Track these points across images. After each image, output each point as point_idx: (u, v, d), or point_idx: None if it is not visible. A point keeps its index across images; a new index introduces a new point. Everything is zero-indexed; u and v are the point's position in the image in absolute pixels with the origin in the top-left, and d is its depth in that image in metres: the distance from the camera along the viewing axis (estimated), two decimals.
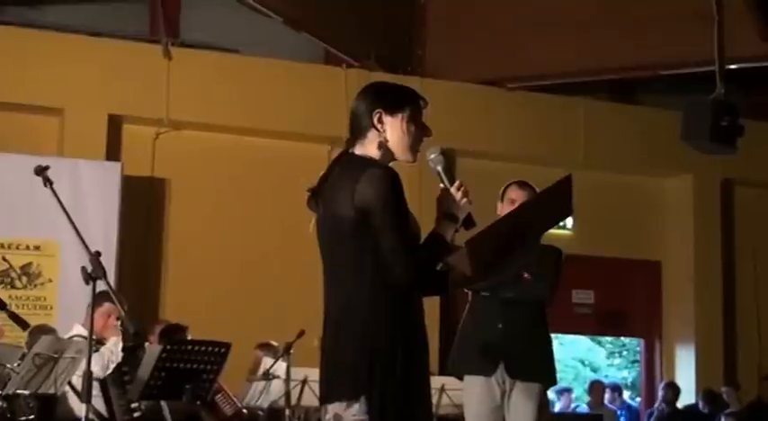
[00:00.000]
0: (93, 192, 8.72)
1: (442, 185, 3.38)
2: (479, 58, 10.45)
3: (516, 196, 5.37)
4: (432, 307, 3.36)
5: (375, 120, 3.36)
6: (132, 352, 6.51)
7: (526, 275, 5.27)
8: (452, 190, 3.37)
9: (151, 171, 9.65)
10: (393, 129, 3.36)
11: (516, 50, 10.24)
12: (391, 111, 3.37)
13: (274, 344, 8.26)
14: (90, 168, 8.86)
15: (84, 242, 4.18)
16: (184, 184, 9.73)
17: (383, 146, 3.35)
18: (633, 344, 15.32)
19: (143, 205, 9.52)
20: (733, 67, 8.82)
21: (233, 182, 9.87)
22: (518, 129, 10.65)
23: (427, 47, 10.63)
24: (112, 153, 9.39)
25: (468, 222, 3.36)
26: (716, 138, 7.35)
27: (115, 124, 9.52)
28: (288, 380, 7.19)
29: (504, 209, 5.28)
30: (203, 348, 6.04)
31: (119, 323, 6.51)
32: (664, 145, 10.65)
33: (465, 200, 3.36)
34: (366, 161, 3.32)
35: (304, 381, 7.23)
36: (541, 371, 5.33)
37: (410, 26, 10.68)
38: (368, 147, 3.37)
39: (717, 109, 7.34)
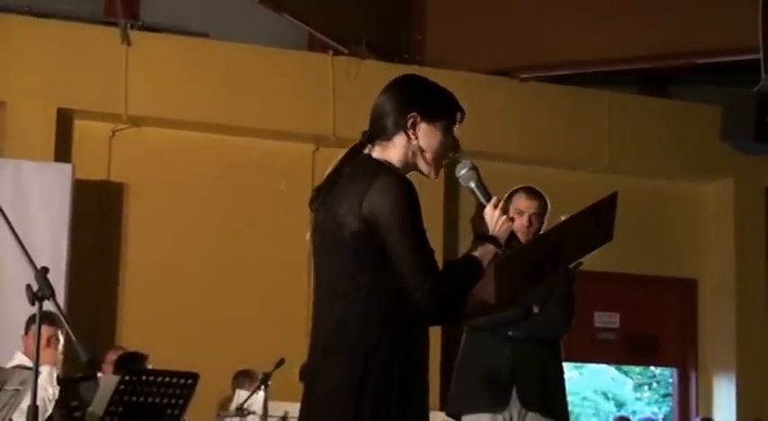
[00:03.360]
0: (40, 197, 8.70)
1: (477, 202, 3.37)
2: (487, 45, 10.45)
3: (525, 207, 5.36)
4: (433, 336, 3.34)
5: (408, 124, 3.34)
6: (82, 383, 6.50)
7: (536, 310, 5.26)
8: (489, 208, 3.35)
9: (107, 174, 9.64)
10: (426, 139, 3.36)
11: (530, 35, 10.25)
12: (429, 117, 3.37)
13: (253, 371, 8.25)
14: (35, 170, 8.84)
15: (28, 256, 4.17)
16: (145, 189, 9.72)
17: (410, 155, 3.33)
18: (665, 374, 15.33)
19: (97, 213, 9.50)
20: None
21: (201, 186, 9.86)
22: (532, 126, 10.66)
23: (427, 31, 10.63)
24: (62, 153, 9.37)
25: (512, 243, 3.34)
26: (760, 137, 7.36)
27: (65, 120, 9.50)
28: (265, 415, 7.17)
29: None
30: (167, 379, 6.03)
31: (59, 348, 6.49)
32: (700, 145, 10.67)
33: (504, 217, 3.35)
34: (381, 166, 3.30)
35: (284, 418, 7.22)
36: (558, 404, 5.34)
37: (407, 7, 10.69)
38: (390, 152, 3.35)
39: (761, 103, 7.35)
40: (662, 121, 11.04)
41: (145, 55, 9.62)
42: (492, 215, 3.36)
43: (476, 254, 3.31)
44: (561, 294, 5.32)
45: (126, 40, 9.60)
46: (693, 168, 11.29)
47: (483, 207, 3.37)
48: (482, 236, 3.33)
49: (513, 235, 3.35)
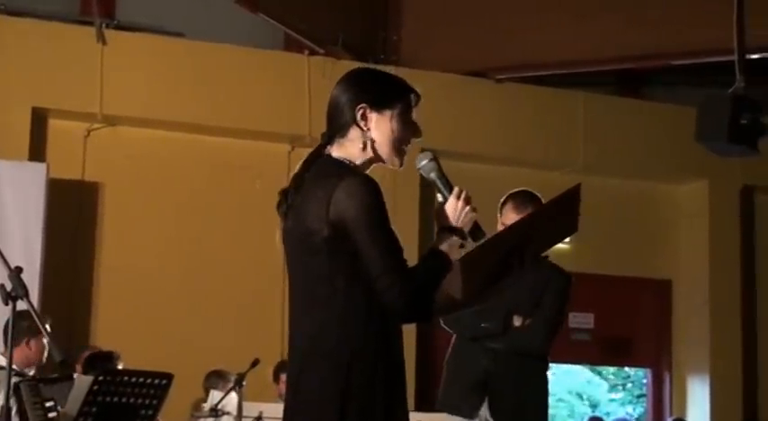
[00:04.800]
0: (13, 197, 8.67)
1: (439, 196, 3.35)
2: (464, 45, 10.46)
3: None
4: (407, 335, 3.33)
5: (358, 117, 3.32)
6: (57, 384, 6.47)
7: (517, 323, 5.22)
8: (452, 199, 3.33)
9: (82, 173, 9.60)
10: (379, 129, 3.33)
11: (506, 36, 10.26)
12: (378, 106, 3.34)
13: (226, 372, 8.24)
14: (10, 170, 8.80)
15: (2, 255, 4.16)
16: (121, 189, 9.69)
17: (367, 147, 3.32)
18: (639, 375, 15.36)
19: (72, 213, 9.47)
20: (755, 56, 8.87)
21: (177, 186, 9.84)
22: (508, 126, 10.67)
23: (403, 31, 10.63)
24: (36, 152, 9.34)
25: (476, 233, 3.33)
26: (735, 138, 7.38)
27: (39, 119, 9.46)
28: (239, 416, 7.15)
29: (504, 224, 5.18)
30: (141, 380, 6.00)
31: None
32: (675, 146, 10.70)
33: (468, 208, 3.33)
34: (343, 167, 3.28)
35: (259, 418, 7.20)
36: (534, 416, 5.33)
37: (384, 7, 10.69)
38: (348, 148, 3.33)
39: (736, 105, 7.37)
40: (637, 122, 11.07)
41: (120, 54, 9.59)
42: (455, 206, 3.32)
43: (442, 247, 3.28)
44: (548, 304, 5.28)
45: (101, 39, 9.57)
46: (668, 169, 11.32)
47: (445, 198, 3.35)
48: (445, 227, 3.31)
49: (477, 225, 3.33)
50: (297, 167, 3.36)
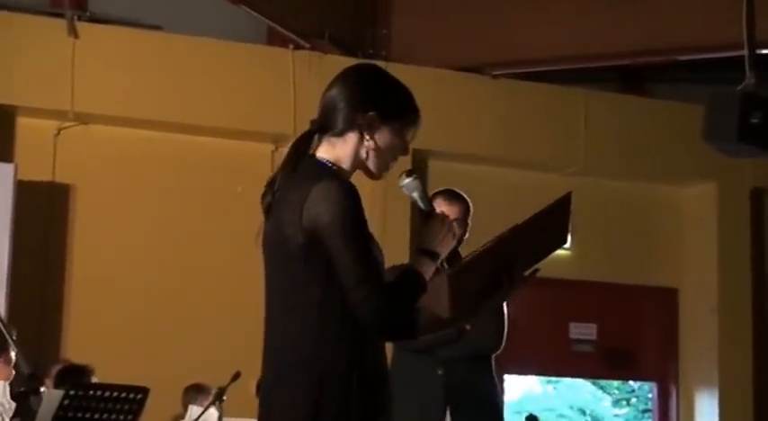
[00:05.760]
0: None
1: (420, 213, 3.39)
2: (457, 39, 10.47)
3: (446, 212, 5.38)
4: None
5: (365, 123, 3.33)
6: (25, 398, 6.46)
7: (468, 327, 5.30)
8: (435, 223, 3.36)
9: (52, 175, 9.60)
10: (382, 140, 3.35)
11: (503, 30, 10.28)
12: (388, 118, 3.35)
13: (205, 385, 8.24)
14: None
15: None
16: (93, 192, 9.69)
17: (361, 154, 3.33)
18: (644, 389, 15.38)
19: (42, 217, 9.47)
20: (766, 51, 8.90)
21: (153, 189, 9.84)
22: (504, 125, 10.69)
23: (393, 24, 10.64)
24: (3, 152, 9.35)
25: (453, 261, 3.37)
26: (745, 137, 7.40)
27: (7, 117, 9.47)
28: None
29: None
30: (115, 394, 6.01)
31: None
32: (682, 146, 10.73)
33: (450, 235, 3.36)
34: (323, 169, 3.29)
35: None
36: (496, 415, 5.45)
37: None
38: (339, 149, 3.34)
39: (746, 103, 7.39)
40: (641, 121, 11.09)
41: (93, 48, 9.59)
42: (436, 231, 3.35)
43: (419, 268, 3.29)
44: (494, 309, 5.36)
45: (73, 32, 9.57)
46: (674, 171, 11.34)
47: (426, 218, 3.38)
48: (423, 250, 3.33)
49: (455, 253, 3.39)
50: (281, 162, 3.38)
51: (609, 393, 18.21)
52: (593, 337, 11.42)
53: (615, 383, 17.10)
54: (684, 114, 10.46)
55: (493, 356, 5.59)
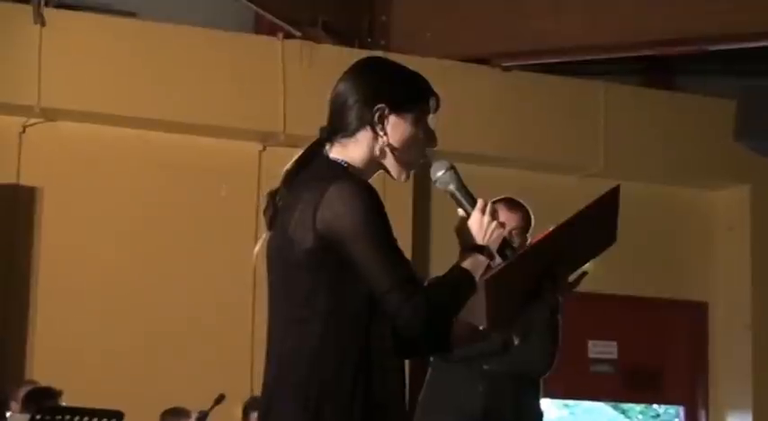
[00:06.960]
0: None
1: (460, 211, 3.35)
2: (464, 27, 10.48)
3: (506, 221, 5.38)
4: None
5: (375, 118, 3.31)
6: None
7: (516, 341, 5.28)
8: (476, 213, 3.32)
9: (16, 176, 9.60)
10: (396, 134, 3.33)
11: (514, 17, 10.29)
12: (399, 108, 3.33)
13: (185, 409, 8.24)
14: None
15: None
16: (62, 194, 9.69)
17: (380, 153, 3.31)
18: (670, 413, 15.38)
19: (5, 222, 9.48)
20: None
21: (127, 192, 9.83)
22: (515, 122, 10.69)
23: (393, 11, 10.65)
24: None
25: (505, 251, 3.31)
26: None
27: None
28: None
29: None
30: (86, 418, 6.03)
31: None
32: (711, 145, 10.72)
33: (495, 223, 3.32)
34: (338, 169, 3.27)
35: None
36: None
37: None
38: (352, 150, 3.32)
39: None
40: (667, 118, 11.09)
41: (62, 37, 9.59)
42: (480, 221, 3.31)
43: (465, 265, 3.25)
44: (545, 323, 5.34)
45: (39, 19, 9.57)
46: (703, 172, 11.34)
47: (467, 213, 3.34)
48: (470, 246, 3.29)
49: (506, 242, 3.34)
50: (288, 164, 3.36)
51: (631, 418, 18.21)
52: (614, 356, 11.42)
53: (638, 407, 17.08)
54: (714, 110, 10.47)
55: (542, 379, 5.51)
